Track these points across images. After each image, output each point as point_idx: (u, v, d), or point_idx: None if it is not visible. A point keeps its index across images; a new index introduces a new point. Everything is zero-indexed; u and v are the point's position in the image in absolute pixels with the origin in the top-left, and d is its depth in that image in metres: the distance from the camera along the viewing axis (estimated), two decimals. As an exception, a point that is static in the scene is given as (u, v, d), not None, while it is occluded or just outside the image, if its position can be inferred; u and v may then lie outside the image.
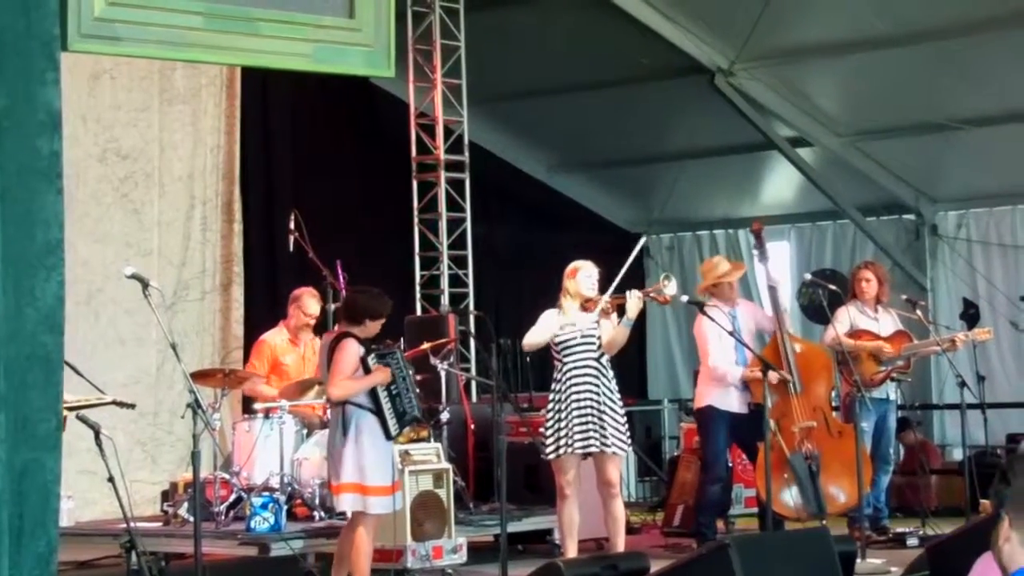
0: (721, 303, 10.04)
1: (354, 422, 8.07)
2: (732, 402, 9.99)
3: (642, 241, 9.16)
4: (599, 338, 9.01)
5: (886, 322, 10.78)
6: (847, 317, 10.66)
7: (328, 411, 9.59)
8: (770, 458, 9.23)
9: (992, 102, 13.10)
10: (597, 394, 8.95)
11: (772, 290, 10.26)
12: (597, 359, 9.01)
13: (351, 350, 8.06)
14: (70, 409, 7.20)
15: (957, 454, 13.38)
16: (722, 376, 9.95)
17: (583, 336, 9.00)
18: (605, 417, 8.94)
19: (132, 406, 8.32)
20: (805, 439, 9.92)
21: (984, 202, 14.69)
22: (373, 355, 8.11)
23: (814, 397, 10.06)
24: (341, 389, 8.05)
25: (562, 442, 8.96)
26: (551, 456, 9.02)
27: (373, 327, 8.21)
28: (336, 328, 8.37)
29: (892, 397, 10.79)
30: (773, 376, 9.36)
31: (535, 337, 9.10)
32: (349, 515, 8.30)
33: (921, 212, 14.93)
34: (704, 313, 9.67)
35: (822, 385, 10.16)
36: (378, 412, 8.09)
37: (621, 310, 9.05)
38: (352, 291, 8.45)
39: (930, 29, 12.41)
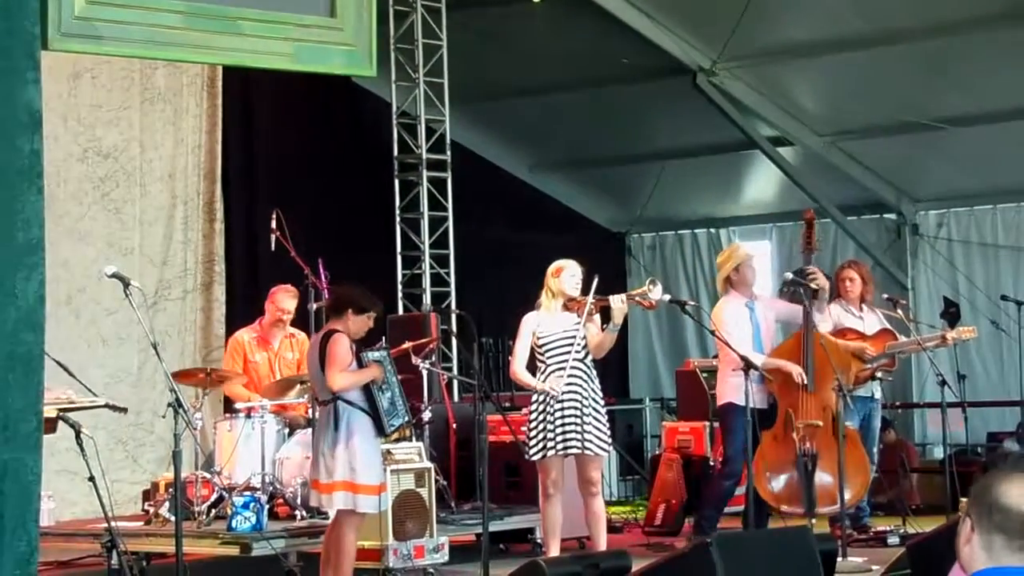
0: (740, 293, 10.02)
1: (345, 420, 8.02)
2: (751, 398, 9.91)
3: (596, 280, 9.04)
4: (583, 339, 8.98)
5: (871, 321, 10.77)
6: (830, 316, 10.65)
7: (311, 409, 9.60)
8: (768, 449, 9.24)
9: (973, 102, 13.13)
10: (583, 396, 8.92)
11: (800, 282, 10.06)
12: (582, 360, 9.00)
13: (343, 342, 8.03)
14: (63, 410, 7.17)
15: (938, 452, 13.41)
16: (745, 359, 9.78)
17: (567, 337, 8.99)
18: (587, 419, 8.91)
19: (124, 410, 8.29)
20: (808, 437, 9.85)
21: (964, 201, 14.74)
22: (365, 352, 8.12)
23: (825, 397, 9.88)
24: (343, 380, 7.99)
25: (546, 443, 8.94)
26: (535, 458, 9.01)
27: (357, 322, 8.16)
28: (325, 326, 8.32)
29: (877, 396, 10.77)
30: (799, 375, 9.54)
31: (522, 375, 9.09)
32: (332, 515, 8.27)
33: (902, 211, 14.97)
34: (686, 312, 9.66)
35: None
36: (372, 409, 8.07)
37: (604, 312, 9.04)
38: (338, 285, 8.42)
39: (911, 29, 12.44)
